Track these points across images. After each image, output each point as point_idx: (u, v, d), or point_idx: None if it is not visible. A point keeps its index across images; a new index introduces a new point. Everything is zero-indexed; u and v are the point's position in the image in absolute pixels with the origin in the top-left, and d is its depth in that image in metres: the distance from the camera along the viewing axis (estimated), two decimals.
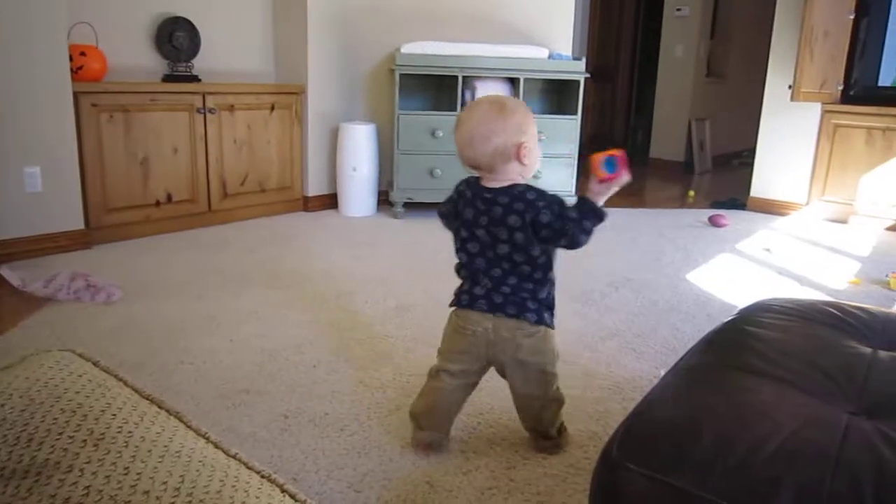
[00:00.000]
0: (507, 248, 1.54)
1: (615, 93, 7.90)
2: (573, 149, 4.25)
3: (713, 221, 4.36)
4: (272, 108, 4.10)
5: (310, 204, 4.37)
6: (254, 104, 4.01)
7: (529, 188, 1.53)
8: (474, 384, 1.69)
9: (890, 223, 4.42)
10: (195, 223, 3.83)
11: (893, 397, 0.99)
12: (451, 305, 1.68)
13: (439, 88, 4.26)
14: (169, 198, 3.70)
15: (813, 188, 4.68)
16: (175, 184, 3.72)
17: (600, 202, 1.52)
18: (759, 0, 6.38)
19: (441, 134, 4.09)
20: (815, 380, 1.01)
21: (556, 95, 4.43)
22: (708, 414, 0.91)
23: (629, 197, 5.44)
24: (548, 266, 1.60)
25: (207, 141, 3.82)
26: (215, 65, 4.08)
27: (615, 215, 4.55)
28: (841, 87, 4.50)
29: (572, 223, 1.49)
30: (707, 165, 6.92)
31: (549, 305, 1.64)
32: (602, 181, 1.51)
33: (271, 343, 2.33)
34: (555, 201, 1.52)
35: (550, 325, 1.63)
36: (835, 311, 1.28)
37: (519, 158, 1.51)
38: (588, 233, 1.51)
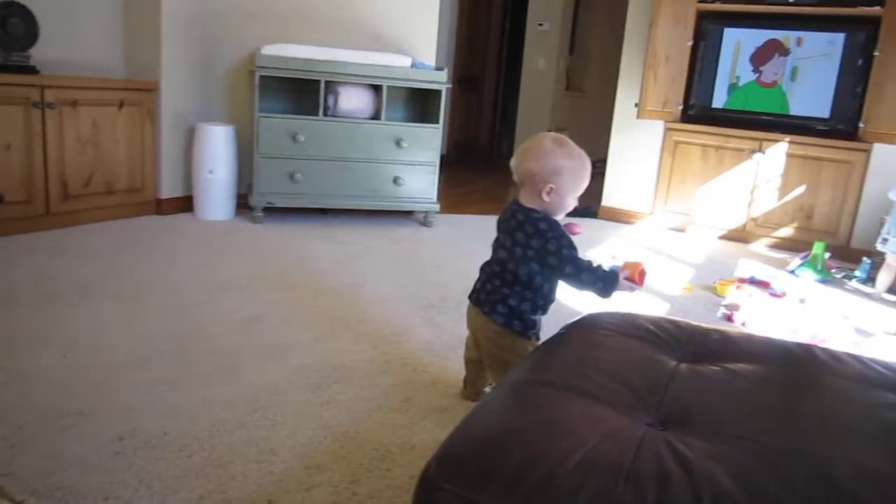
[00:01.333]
0: (504, 254, 1.79)
1: (481, 102, 8.11)
2: (435, 157, 4.32)
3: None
4: (121, 105, 3.87)
5: (163, 207, 4.17)
6: (100, 100, 3.77)
7: (547, 219, 1.75)
8: (482, 361, 1.96)
9: (722, 232, 4.84)
10: (31, 226, 3.55)
11: (687, 408, 1.09)
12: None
13: (302, 92, 4.20)
14: (0, 198, 3.41)
15: (657, 199, 5.04)
16: (7, 183, 3.43)
17: (619, 288, 1.74)
18: (612, 22, 6.77)
19: (302, 138, 4.04)
20: (621, 394, 1.10)
21: (419, 104, 4.50)
22: (518, 432, 0.97)
23: (491, 204, 5.62)
24: (528, 285, 1.79)
25: (46, 138, 3.55)
26: (56, 56, 3.80)
27: (477, 222, 4.74)
28: (681, 107, 4.87)
29: (585, 263, 1.73)
30: None
31: (520, 316, 1.81)
32: (633, 284, 1.75)
33: (109, 359, 2.20)
34: (564, 239, 1.73)
35: (517, 332, 1.82)
36: (649, 326, 1.40)
37: (541, 194, 1.73)
38: (590, 285, 1.74)
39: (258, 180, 4.06)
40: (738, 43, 4.72)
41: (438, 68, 4.33)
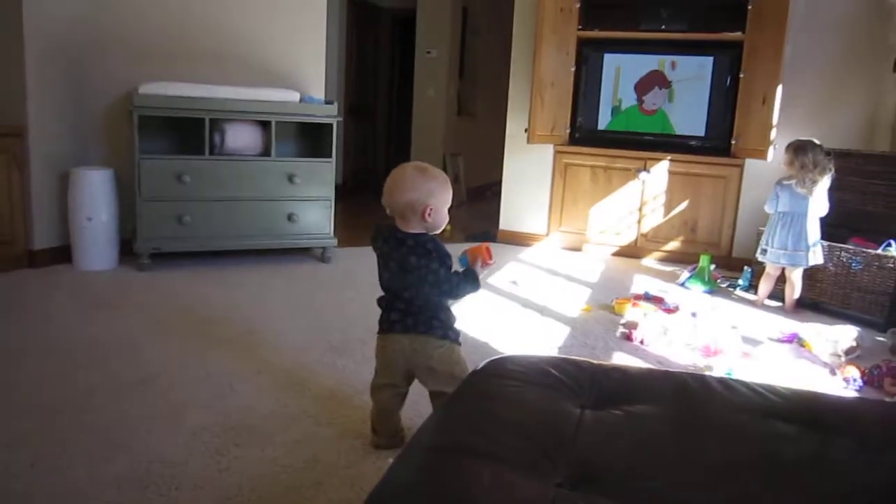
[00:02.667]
0: (413, 278, 1.86)
1: (375, 130, 8.09)
2: (329, 191, 4.24)
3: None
4: None
5: (37, 259, 3.87)
6: None
7: (433, 240, 1.89)
8: (405, 393, 2.06)
9: (614, 249, 5.01)
10: None
11: (595, 463, 1.09)
12: (378, 333, 2.01)
13: (185, 131, 4.02)
14: None
15: (552, 220, 5.16)
16: None
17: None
18: (499, 47, 6.92)
19: (189, 179, 3.86)
20: (528, 453, 1.08)
21: (310, 138, 4.41)
22: None
23: None
24: (439, 299, 1.93)
25: None
26: None
27: (369, 254, 4.66)
28: (568, 130, 5.03)
29: (457, 278, 1.89)
30: (463, 198, 7.33)
31: (451, 325, 1.97)
32: (485, 265, 1.97)
33: None
34: (447, 259, 1.88)
35: (455, 341, 1.97)
36: (551, 370, 1.39)
37: (424, 216, 1.86)
38: (466, 292, 1.92)
39: (142, 225, 3.84)
40: (618, 68, 4.92)
41: (328, 102, 4.26)
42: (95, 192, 3.84)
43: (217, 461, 1.95)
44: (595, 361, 1.45)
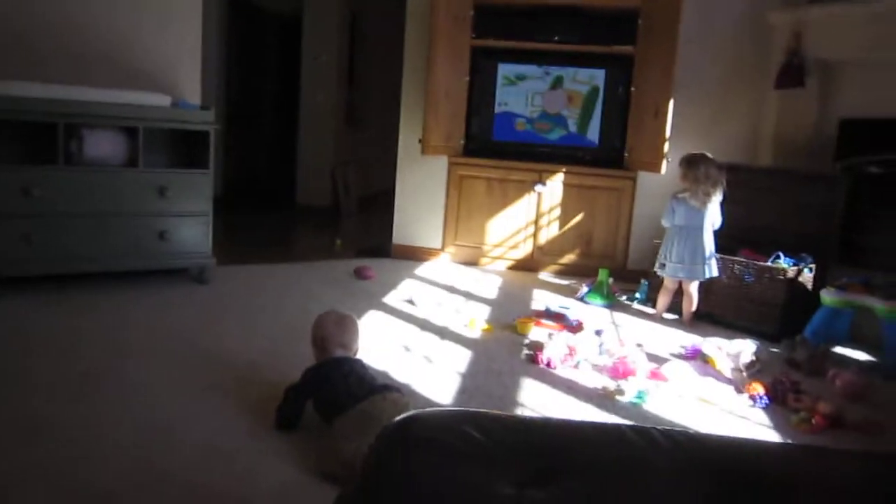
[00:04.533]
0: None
1: (259, 138, 7.65)
2: (206, 205, 3.84)
3: (359, 274, 4.33)
4: None
5: None
6: None
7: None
8: None
9: (511, 263, 4.89)
10: None
11: None
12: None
13: (34, 138, 3.52)
14: None
15: (447, 234, 4.97)
16: None
17: None
18: (389, 54, 6.70)
19: (39, 192, 3.37)
20: None
21: (183, 147, 3.99)
22: None
23: (275, 249, 5.21)
24: None
25: None
26: None
27: (261, 273, 4.31)
28: (463, 142, 4.87)
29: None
30: (353, 209, 7.04)
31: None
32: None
33: None
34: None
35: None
36: (473, 434, 1.16)
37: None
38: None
39: None
40: (511, 78, 4.82)
41: (204, 107, 3.88)
42: None
43: None
44: (521, 416, 1.24)
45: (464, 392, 2.64)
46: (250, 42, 7.32)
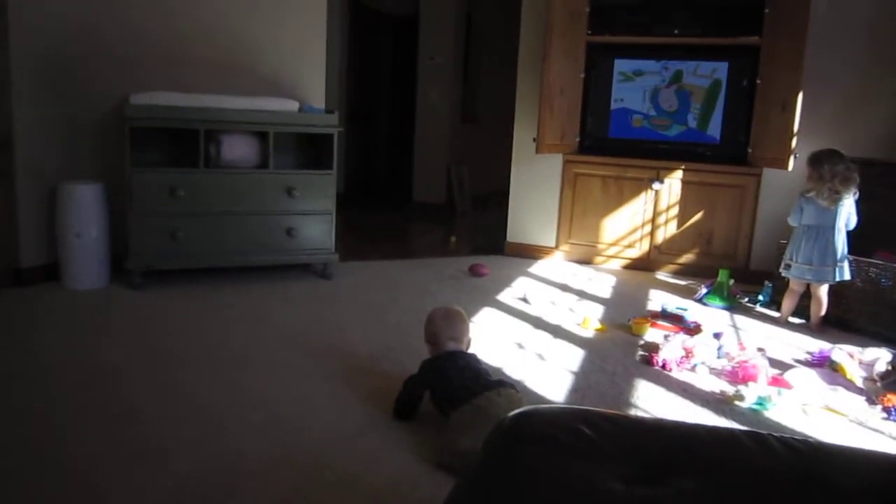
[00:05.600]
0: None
1: (376, 137, 7.92)
2: (330, 204, 4.05)
3: (474, 271, 4.41)
4: None
5: (23, 277, 3.69)
6: None
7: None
8: None
9: (626, 262, 4.82)
10: None
11: None
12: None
13: (179, 143, 3.85)
14: None
15: (560, 232, 4.96)
16: None
17: None
18: (503, 52, 6.75)
19: (183, 193, 3.68)
20: None
21: (309, 149, 4.23)
22: None
23: (394, 245, 5.40)
24: None
25: None
26: None
27: (381, 269, 4.48)
28: (578, 139, 4.84)
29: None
30: (467, 207, 7.15)
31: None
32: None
33: None
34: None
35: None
36: (584, 430, 1.20)
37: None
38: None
39: (135, 241, 3.66)
40: (629, 74, 4.74)
41: (328, 111, 4.08)
42: (85, 208, 3.67)
43: None
44: (633, 415, 1.26)
45: (576, 391, 2.66)
46: (368, 43, 7.58)
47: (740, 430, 1.23)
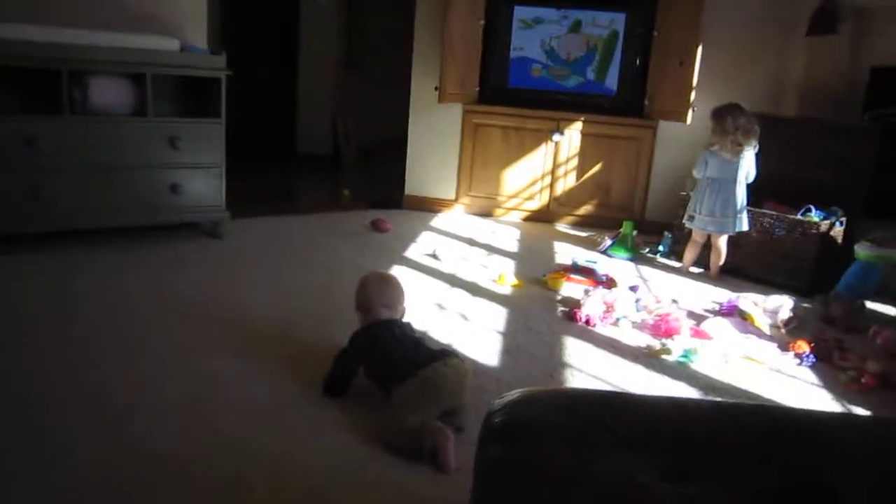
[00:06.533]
0: None
1: (255, 87, 7.36)
2: (219, 156, 3.68)
3: (376, 226, 4.21)
4: None
5: None
6: None
7: None
8: None
9: (526, 214, 4.79)
10: None
11: None
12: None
13: (36, 86, 3.31)
14: None
15: (461, 185, 4.84)
16: None
17: None
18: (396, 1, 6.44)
19: (43, 144, 3.18)
20: None
21: (190, 95, 3.78)
22: None
23: (284, 201, 5.06)
24: None
25: None
26: None
27: (273, 225, 4.15)
28: (478, 89, 4.69)
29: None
30: (353, 158, 6.86)
31: None
32: None
33: None
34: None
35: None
36: (602, 418, 1.07)
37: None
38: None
39: None
40: (528, 22, 4.62)
41: (214, 52, 3.67)
42: None
43: None
44: (649, 396, 1.15)
45: (508, 352, 2.57)
46: None
47: (774, 407, 1.15)
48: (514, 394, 1.23)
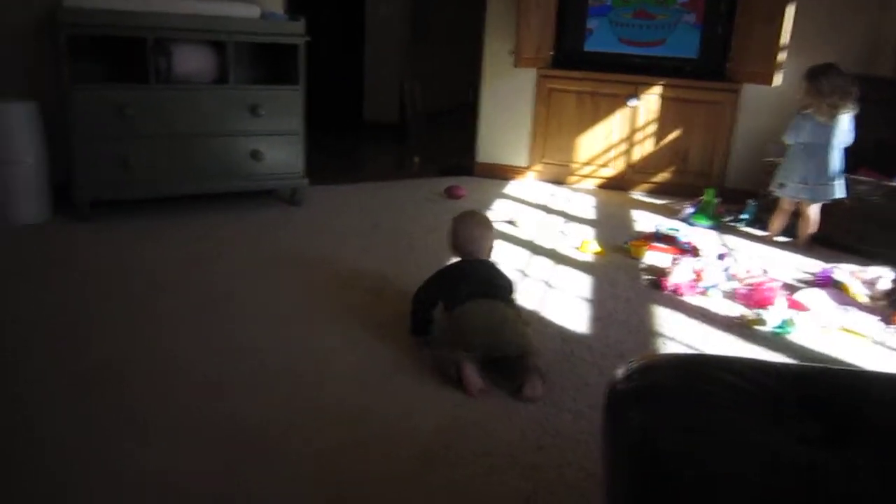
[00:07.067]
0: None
1: (323, 53, 7.37)
2: (298, 123, 3.70)
3: (450, 193, 4.18)
4: None
5: None
6: None
7: None
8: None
9: (600, 181, 4.68)
10: None
11: None
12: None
13: (123, 54, 3.38)
14: None
15: (534, 152, 4.76)
16: None
17: None
18: None
19: (132, 112, 3.25)
20: None
21: (269, 62, 3.81)
22: None
23: (358, 169, 5.09)
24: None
25: None
26: None
27: (349, 193, 4.17)
28: (552, 53, 4.58)
29: None
30: (423, 126, 6.82)
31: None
32: None
33: None
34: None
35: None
36: (742, 383, 1.03)
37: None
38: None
39: (79, 169, 3.23)
40: None
41: (293, 17, 3.67)
42: (14, 131, 3.19)
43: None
44: (783, 362, 1.10)
45: (598, 320, 2.52)
46: None
47: None
48: (638, 359, 1.19)
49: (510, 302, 2.24)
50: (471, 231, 2.37)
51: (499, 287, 2.22)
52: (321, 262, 2.96)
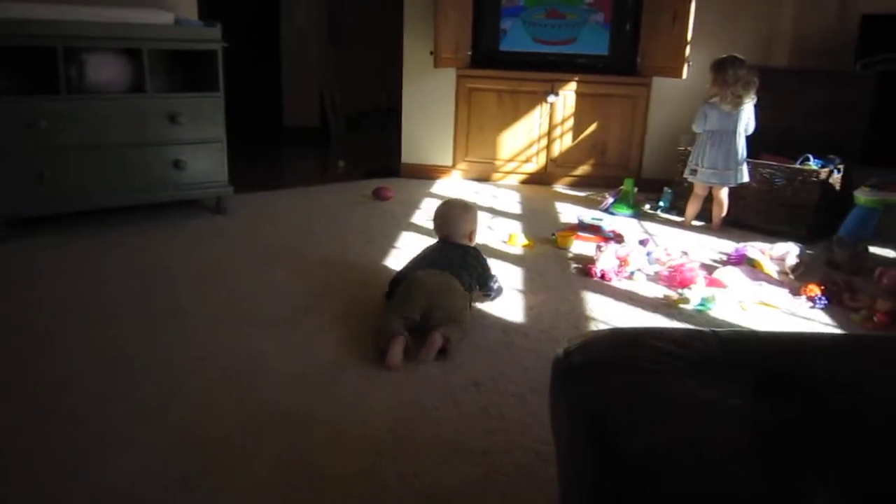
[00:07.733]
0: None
1: (239, 61, 7.24)
2: (220, 131, 3.65)
3: (378, 195, 4.21)
4: None
5: None
6: None
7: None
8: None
9: (523, 177, 4.81)
10: None
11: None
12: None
13: (31, 65, 3.24)
14: None
15: (457, 151, 4.84)
16: None
17: None
18: None
19: (45, 124, 3.13)
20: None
21: (185, 70, 3.72)
22: None
23: (279, 172, 5.03)
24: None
25: None
26: None
27: (273, 200, 4.13)
28: (470, 53, 4.67)
29: None
30: (342, 129, 6.81)
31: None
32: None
33: None
34: None
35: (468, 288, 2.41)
36: (678, 350, 1.11)
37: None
38: None
39: None
40: None
41: (208, 24, 3.60)
42: None
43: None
44: (720, 330, 1.19)
45: (531, 308, 2.61)
46: None
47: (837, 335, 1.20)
48: (577, 337, 1.26)
49: (462, 280, 2.35)
50: (445, 213, 2.62)
51: (456, 266, 2.38)
52: (255, 271, 2.93)
